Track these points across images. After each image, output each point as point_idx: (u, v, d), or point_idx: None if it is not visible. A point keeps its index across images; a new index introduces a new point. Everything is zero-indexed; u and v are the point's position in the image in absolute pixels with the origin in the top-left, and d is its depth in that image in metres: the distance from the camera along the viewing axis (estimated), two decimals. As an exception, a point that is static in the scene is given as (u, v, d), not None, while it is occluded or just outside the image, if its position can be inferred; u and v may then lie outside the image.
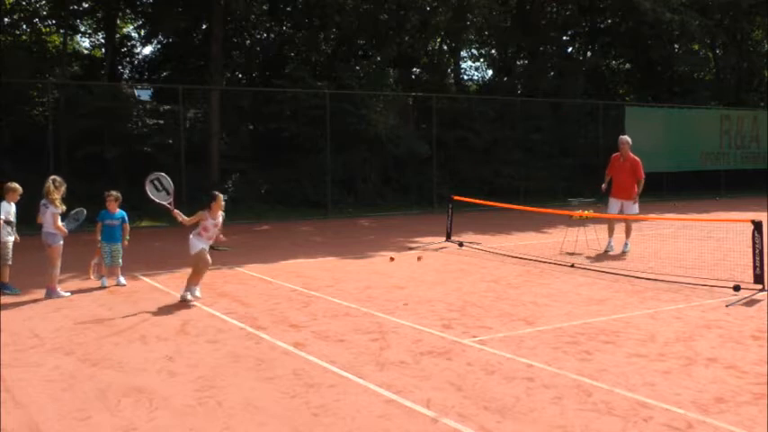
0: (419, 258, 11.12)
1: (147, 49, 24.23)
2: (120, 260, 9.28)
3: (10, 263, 8.85)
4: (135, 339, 6.60)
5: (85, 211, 9.18)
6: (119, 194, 9.30)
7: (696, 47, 29.35)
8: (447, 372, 5.53)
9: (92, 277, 9.24)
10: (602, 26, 29.14)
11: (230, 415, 4.69)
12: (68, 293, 8.59)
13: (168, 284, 9.28)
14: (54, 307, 7.99)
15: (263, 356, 6.01)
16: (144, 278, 9.76)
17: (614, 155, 12.19)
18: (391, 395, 5.02)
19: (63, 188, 8.62)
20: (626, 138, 12.18)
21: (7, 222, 8.75)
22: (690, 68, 28.62)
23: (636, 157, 11.97)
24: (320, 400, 4.95)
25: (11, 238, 8.83)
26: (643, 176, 11.87)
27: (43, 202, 8.58)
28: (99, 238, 9.17)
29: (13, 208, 8.86)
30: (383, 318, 7.36)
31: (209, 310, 7.81)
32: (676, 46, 28.66)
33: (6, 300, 8.32)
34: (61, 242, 8.59)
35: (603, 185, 12.22)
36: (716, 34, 28.16)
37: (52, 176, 8.75)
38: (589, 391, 5.06)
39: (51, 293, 8.49)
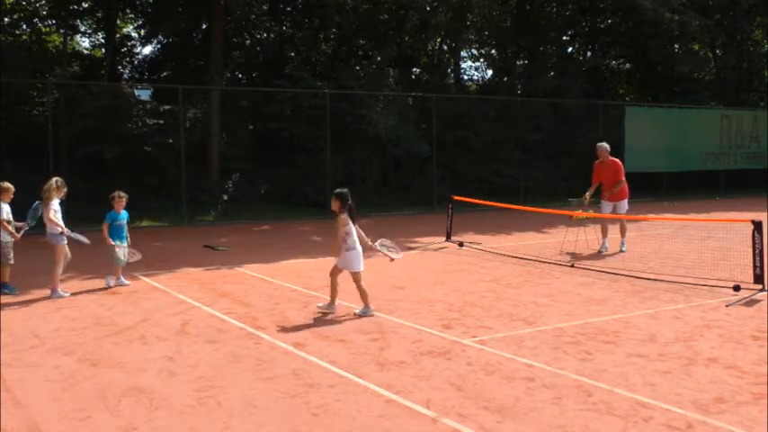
0: None
1: (147, 49, 24.30)
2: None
3: (11, 262, 8.86)
4: (135, 339, 6.60)
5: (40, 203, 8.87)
6: (127, 196, 9.31)
7: (696, 47, 29.33)
8: (447, 372, 5.53)
9: (113, 284, 9.11)
10: (602, 26, 29.13)
11: (230, 415, 4.69)
12: (68, 293, 8.60)
13: (168, 284, 9.28)
14: (54, 307, 7.99)
15: (262, 356, 6.01)
16: (144, 278, 9.76)
17: (596, 162, 12.11)
18: (391, 395, 5.02)
19: (64, 190, 8.66)
20: (603, 144, 12.12)
21: (8, 222, 8.76)
22: (690, 68, 28.60)
23: (616, 160, 12.02)
24: (320, 400, 4.95)
25: (11, 239, 8.83)
26: (623, 178, 11.83)
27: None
28: (106, 236, 9.03)
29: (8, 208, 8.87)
30: (383, 318, 7.36)
31: (209, 310, 7.81)
32: (676, 46, 28.63)
33: (6, 300, 8.32)
34: (65, 242, 8.59)
35: (588, 195, 11.95)
36: (716, 34, 28.15)
37: (56, 177, 8.80)
38: (589, 391, 5.06)
39: (52, 293, 8.49)
